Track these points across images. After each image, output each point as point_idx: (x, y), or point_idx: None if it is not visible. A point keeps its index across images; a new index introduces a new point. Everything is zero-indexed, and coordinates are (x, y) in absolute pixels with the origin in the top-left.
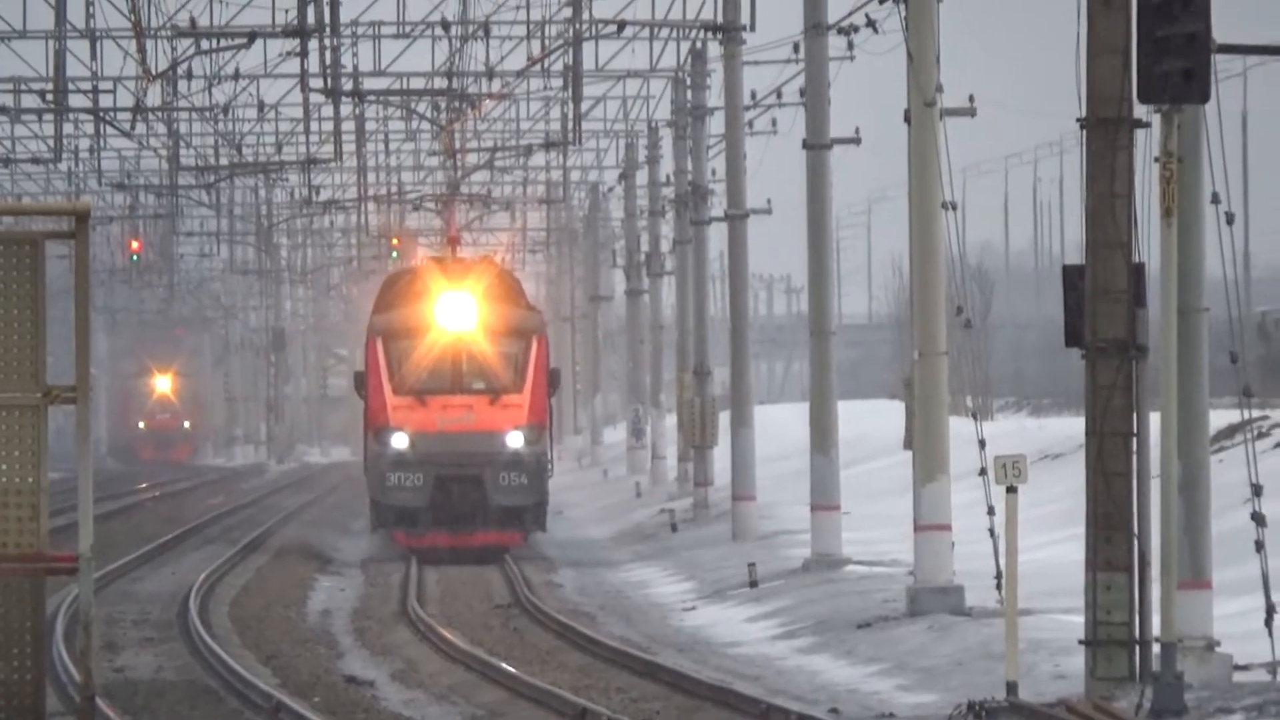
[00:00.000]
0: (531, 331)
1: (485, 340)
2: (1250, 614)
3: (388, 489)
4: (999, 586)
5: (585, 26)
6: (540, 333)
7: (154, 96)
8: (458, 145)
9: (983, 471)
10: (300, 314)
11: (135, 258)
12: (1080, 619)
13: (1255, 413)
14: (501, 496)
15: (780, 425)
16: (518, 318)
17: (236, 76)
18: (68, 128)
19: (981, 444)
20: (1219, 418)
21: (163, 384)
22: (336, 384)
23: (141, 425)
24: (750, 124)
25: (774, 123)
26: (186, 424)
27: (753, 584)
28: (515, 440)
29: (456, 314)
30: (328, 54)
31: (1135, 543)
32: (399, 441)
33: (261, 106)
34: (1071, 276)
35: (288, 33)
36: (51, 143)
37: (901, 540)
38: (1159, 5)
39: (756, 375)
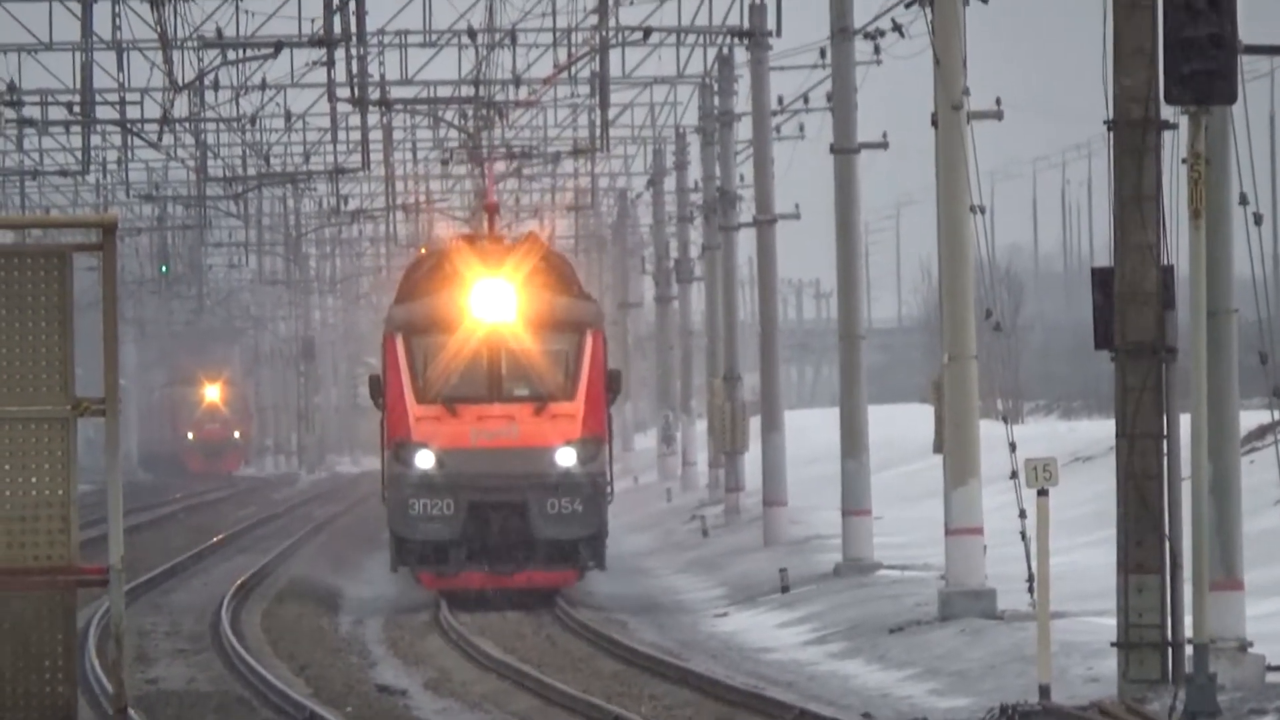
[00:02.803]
0: (586, 324)
1: (529, 336)
2: None
3: (411, 519)
4: (1031, 589)
5: (612, 33)
6: (596, 326)
7: (181, 107)
8: (485, 154)
9: (1014, 475)
10: (329, 323)
11: (164, 269)
12: (1112, 621)
13: None
14: (550, 528)
15: (811, 430)
16: (569, 308)
17: (263, 87)
18: (95, 139)
19: (1012, 447)
20: (1249, 419)
21: (212, 393)
22: (366, 394)
23: (190, 436)
24: (778, 129)
25: (801, 128)
26: (236, 434)
27: (784, 589)
28: (567, 458)
29: (494, 303)
30: (354, 63)
31: (1166, 544)
32: (424, 461)
33: (288, 116)
34: (1100, 279)
35: (314, 42)
36: (79, 155)
37: (933, 544)
38: (1185, 6)
39: (786, 380)
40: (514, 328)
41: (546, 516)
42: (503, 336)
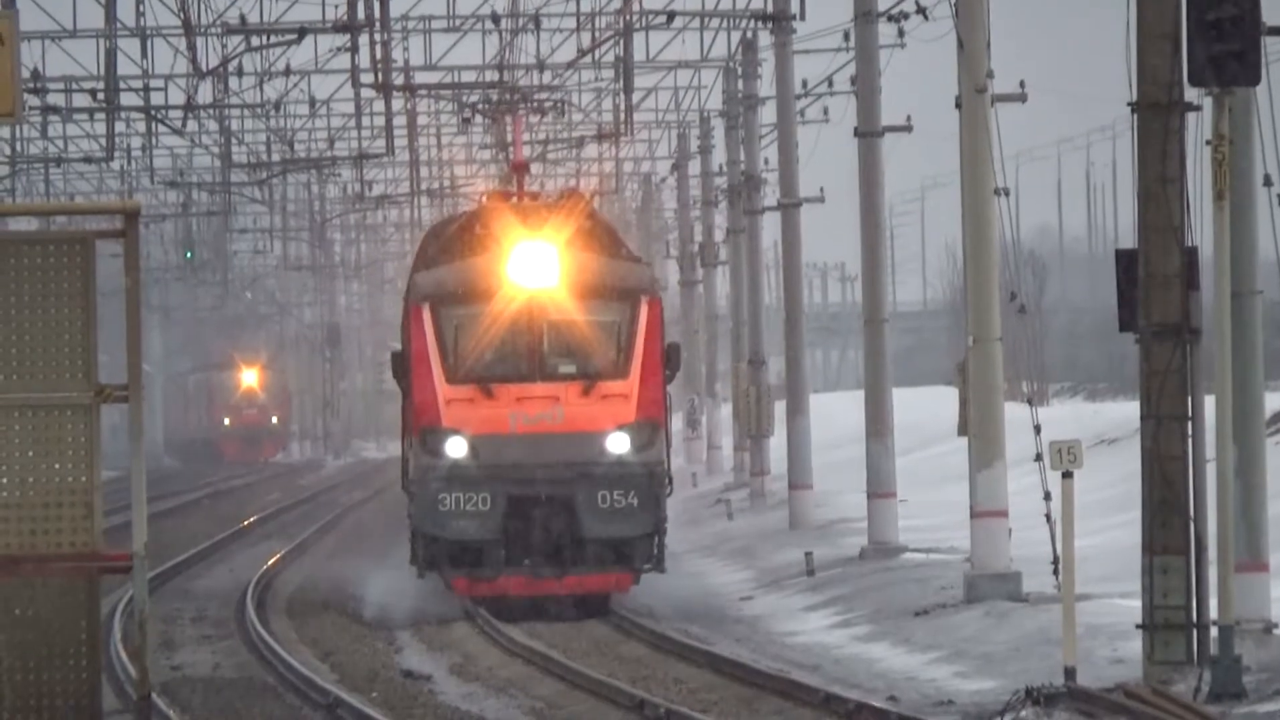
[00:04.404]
0: (640, 291)
1: (576, 304)
2: None
3: (441, 516)
4: (1056, 572)
5: (635, 17)
6: (652, 293)
7: (205, 94)
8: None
9: (1039, 457)
10: (355, 309)
11: (189, 255)
12: (1137, 603)
13: None
14: (601, 525)
15: (836, 413)
16: (620, 272)
17: (287, 72)
18: (119, 126)
19: (1037, 429)
20: (1275, 400)
21: (249, 378)
22: (392, 379)
23: (226, 422)
24: (802, 113)
25: (825, 111)
26: (274, 420)
27: (810, 573)
28: (619, 444)
29: (534, 269)
30: (378, 49)
31: (1192, 526)
32: (456, 449)
33: (313, 102)
34: (1124, 261)
35: (338, 28)
36: (103, 141)
37: (958, 527)
38: None
39: (812, 364)
40: (558, 295)
41: (597, 512)
42: (545, 306)
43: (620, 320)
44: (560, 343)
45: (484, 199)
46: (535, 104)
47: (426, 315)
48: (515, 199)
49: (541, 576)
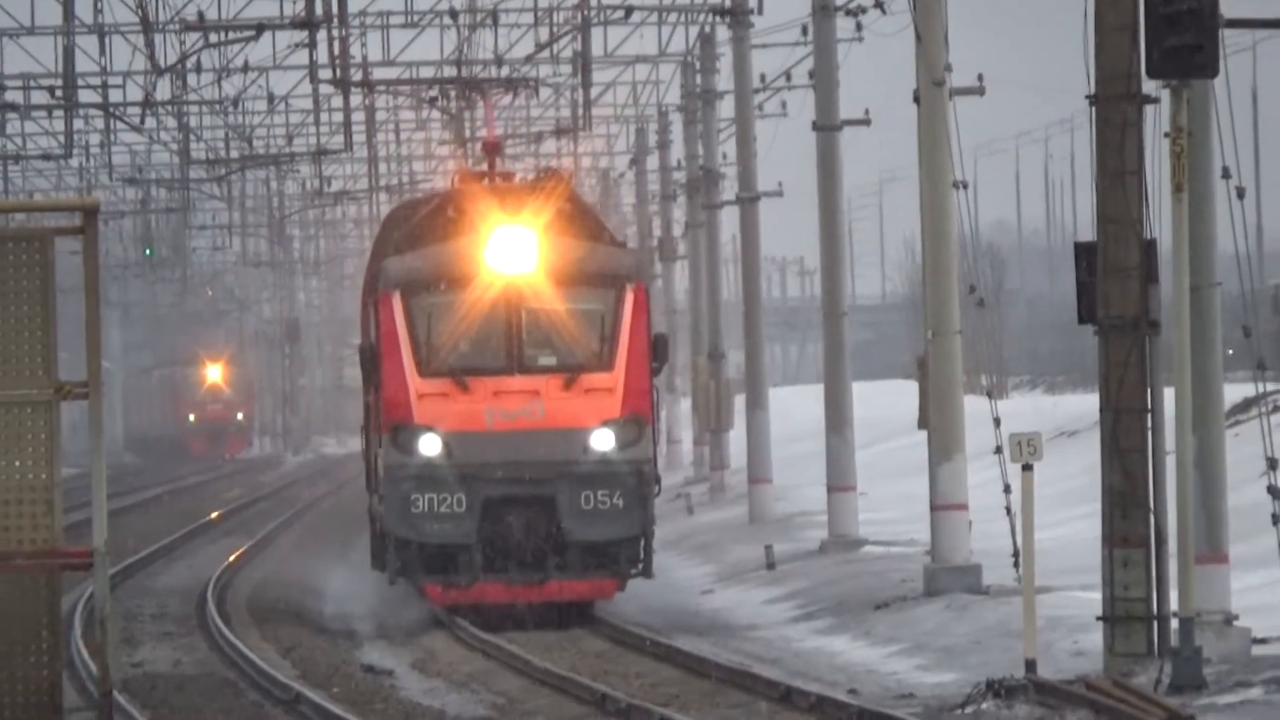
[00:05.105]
0: (625, 277)
1: (556, 293)
2: (1268, 587)
3: (413, 519)
4: (1016, 564)
5: (593, 12)
6: (638, 279)
7: (163, 90)
8: (468, 134)
9: (998, 450)
10: (314, 305)
11: (148, 252)
12: (1098, 595)
13: (1269, 386)
14: (584, 527)
15: (795, 407)
16: (604, 257)
17: (245, 69)
18: (78, 123)
19: (997, 422)
20: (1233, 392)
21: (214, 373)
22: (352, 374)
23: (191, 418)
24: (760, 107)
25: (784, 105)
26: (240, 415)
27: (770, 566)
28: (604, 441)
29: (513, 254)
30: (336, 45)
31: (1152, 518)
32: (429, 447)
33: (271, 98)
34: (1083, 253)
35: (296, 24)
36: (62, 139)
37: (918, 520)
38: None
39: (771, 358)
40: (537, 282)
41: (580, 514)
42: (523, 294)
43: (604, 309)
44: (540, 333)
45: (455, 179)
46: (507, 84)
47: (397, 303)
48: (496, 177)
49: (521, 583)
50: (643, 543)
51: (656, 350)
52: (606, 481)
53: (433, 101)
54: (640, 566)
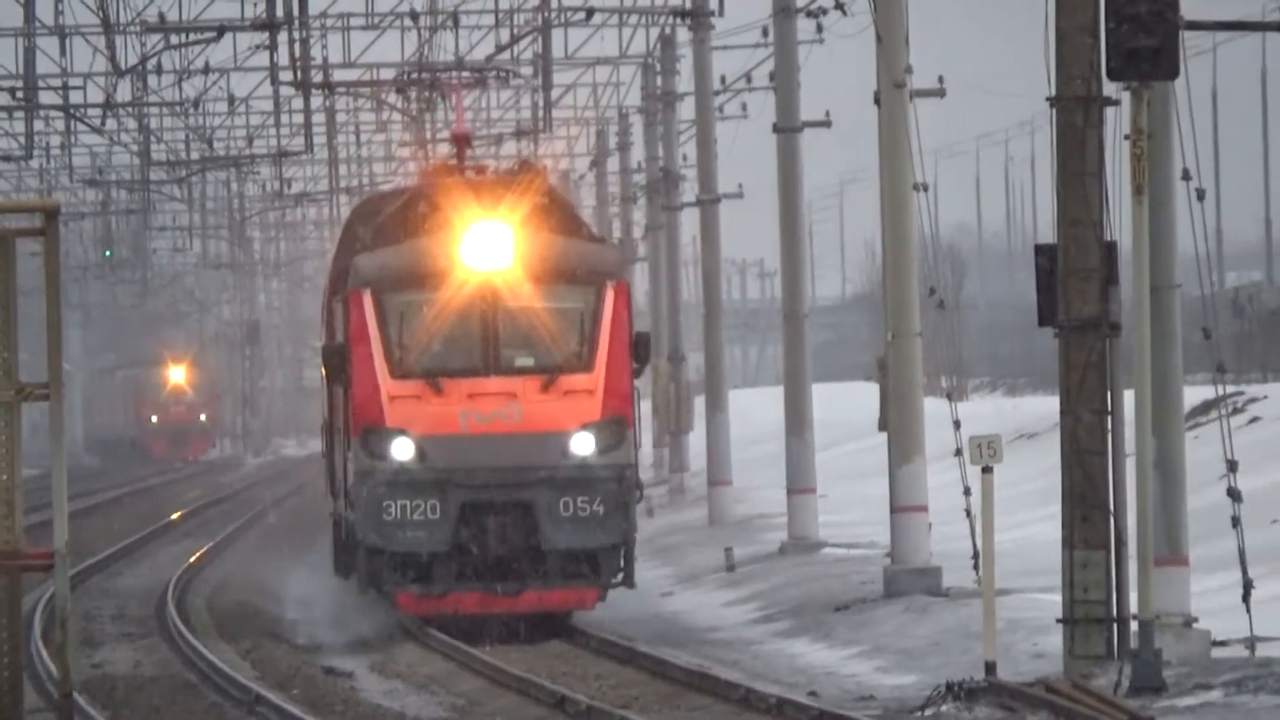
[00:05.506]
0: (605, 274)
1: (533, 291)
2: (1227, 590)
3: (385, 526)
4: (976, 567)
5: (554, 14)
6: (618, 276)
7: (124, 92)
8: (429, 135)
9: (958, 452)
10: (274, 307)
11: (109, 253)
12: (1058, 598)
13: (1229, 388)
14: (563, 535)
15: (755, 409)
16: (583, 254)
17: (206, 70)
18: (38, 125)
19: (957, 424)
20: (1193, 394)
21: (177, 375)
22: (312, 376)
23: (154, 420)
24: (720, 109)
25: (744, 107)
26: (203, 417)
27: (730, 568)
28: (583, 445)
29: (488, 251)
30: (297, 46)
31: (1111, 521)
32: (401, 451)
33: (232, 100)
34: (1044, 255)
35: (256, 26)
36: (22, 140)
37: (878, 522)
38: None
39: (731, 360)
40: (514, 280)
41: (558, 521)
42: (499, 292)
43: (583, 307)
44: (517, 332)
45: (426, 172)
46: (477, 76)
47: (368, 302)
48: (469, 170)
49: (497, 593)
50: (624, 550)
51: (638, 350)
52: (586, 487)
53: (399, 92)
54: (621, 575)
